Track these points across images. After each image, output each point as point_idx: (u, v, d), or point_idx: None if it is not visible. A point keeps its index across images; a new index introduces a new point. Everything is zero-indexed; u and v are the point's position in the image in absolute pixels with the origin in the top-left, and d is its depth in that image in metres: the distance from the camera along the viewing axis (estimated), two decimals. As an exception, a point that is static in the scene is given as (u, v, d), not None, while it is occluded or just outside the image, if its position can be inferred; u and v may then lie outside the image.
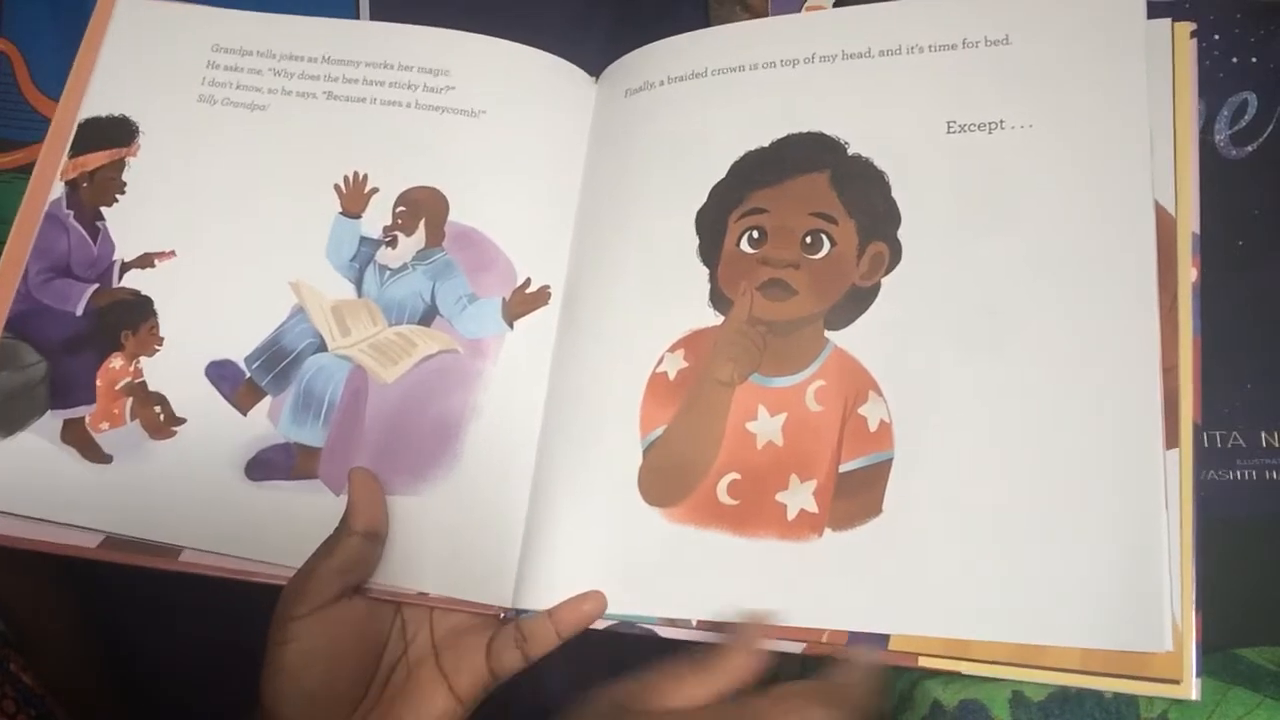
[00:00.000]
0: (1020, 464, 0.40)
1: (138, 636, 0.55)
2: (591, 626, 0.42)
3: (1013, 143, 0.43)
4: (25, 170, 0.55)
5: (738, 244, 0.45)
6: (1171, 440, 0.39)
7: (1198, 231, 0.41)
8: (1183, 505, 0.38)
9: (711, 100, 0.48)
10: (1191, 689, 0.36)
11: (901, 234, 0.43)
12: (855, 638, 0.40)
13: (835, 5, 0.51)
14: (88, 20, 0.52)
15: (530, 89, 0.50)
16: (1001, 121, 0.43)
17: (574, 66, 0.51)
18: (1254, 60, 0.48)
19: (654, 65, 0.49)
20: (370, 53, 0.51)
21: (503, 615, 0.44)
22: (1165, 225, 0.41)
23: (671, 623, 0.42)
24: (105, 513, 0.45)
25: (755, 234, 0.45)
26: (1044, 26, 0.44)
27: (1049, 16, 0.44)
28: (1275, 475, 0.45)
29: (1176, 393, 0.39)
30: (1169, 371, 0.39)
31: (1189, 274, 0.41)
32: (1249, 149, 0.48)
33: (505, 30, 0.51)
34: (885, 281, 0.43)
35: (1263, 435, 0.46)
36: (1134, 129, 0.42)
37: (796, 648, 0.40)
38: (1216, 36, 0.49)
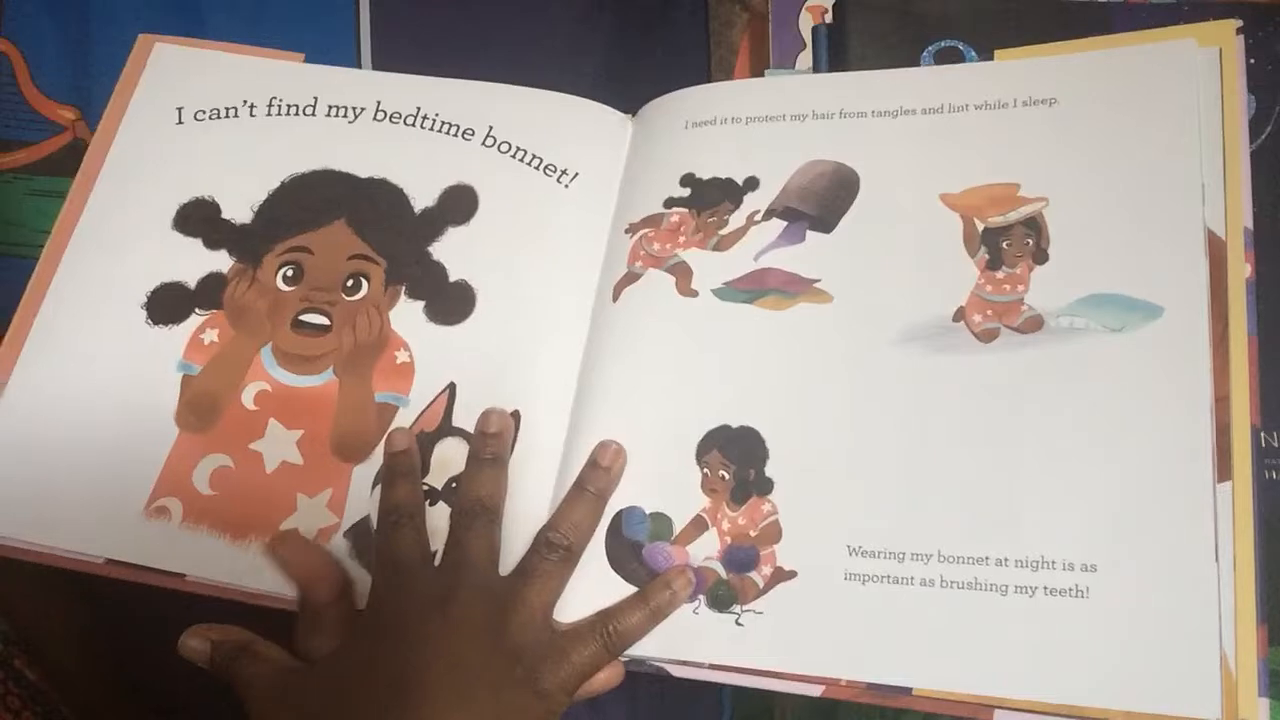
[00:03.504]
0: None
1: (142, 636, 0.54)
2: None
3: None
4: (25, 170, 0.55)
5: None
6: (1224, 473, 0.36)
7: (1250, 226, 0.40)
8: (1237, 540, 0.35)
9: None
10: None
11: None
12: (877, 689, 0.37)
13: (834, 6, 0.51)
14: (88, 21, 0.52)
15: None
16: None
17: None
18: (1253, 60, 0.48)
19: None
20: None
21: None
22: (1216, 251, 0.40)
23: (684, 664, 0.40)
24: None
25: None
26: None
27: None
28: (1275, 475, 0.45)
29: (1229, 424, 0.37)
30: (1221, 402, 0.38)
31: (1242, 271, 0.39)
32: (1249, 149, 0.48)
33: (505, 28, 0.50)
34: None
35: (1262, 435, 0.46)
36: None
37: (815, 690, 0.38)
38: (1217, 36, 0.49)
